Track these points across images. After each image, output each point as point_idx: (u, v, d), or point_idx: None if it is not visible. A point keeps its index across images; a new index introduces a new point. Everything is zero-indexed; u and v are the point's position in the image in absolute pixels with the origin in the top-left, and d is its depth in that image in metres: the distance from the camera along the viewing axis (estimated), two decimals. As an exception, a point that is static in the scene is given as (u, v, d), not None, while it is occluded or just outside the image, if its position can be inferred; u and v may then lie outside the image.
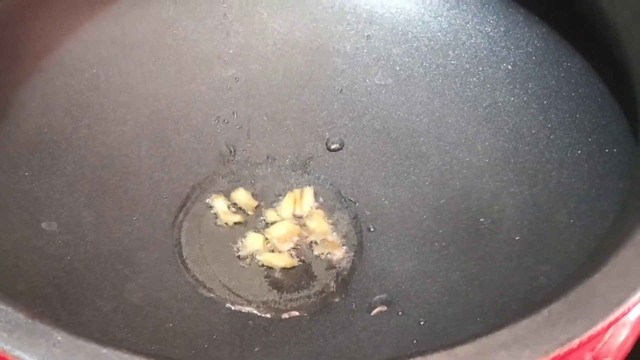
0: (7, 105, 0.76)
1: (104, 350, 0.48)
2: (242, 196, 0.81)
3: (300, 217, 0.80)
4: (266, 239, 0.77)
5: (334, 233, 0.79)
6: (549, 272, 0.67)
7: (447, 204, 0.77)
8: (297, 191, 0.81)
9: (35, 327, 0.49)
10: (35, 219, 0.73)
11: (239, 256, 0.77)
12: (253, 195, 0.82)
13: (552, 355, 0.48)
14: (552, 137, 0.77)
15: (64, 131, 0.79)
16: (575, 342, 0.49)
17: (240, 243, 0.78)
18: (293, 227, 0.78)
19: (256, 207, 0.81)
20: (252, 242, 0.78)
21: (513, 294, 0.68)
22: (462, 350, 0.48)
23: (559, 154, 0.76)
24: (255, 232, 0.78)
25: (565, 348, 0.48)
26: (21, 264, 0.69)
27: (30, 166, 0.76)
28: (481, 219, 0.75)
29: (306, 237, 0.78)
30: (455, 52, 0.84)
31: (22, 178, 0.75)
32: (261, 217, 0.80)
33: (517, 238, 0.72)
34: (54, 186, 0.76)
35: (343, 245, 0.78)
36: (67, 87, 0.81)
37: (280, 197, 0.82)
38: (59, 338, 0.49)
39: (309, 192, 0.81)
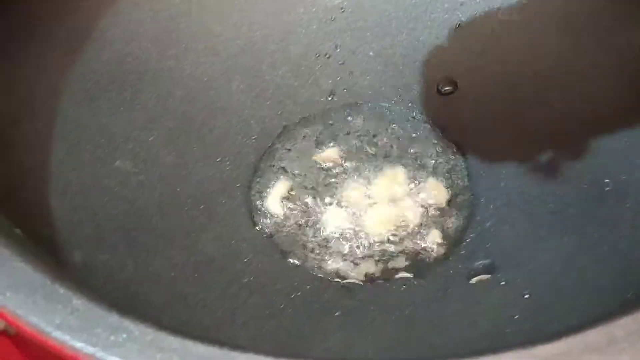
0: (86, 32, 0.71)
1: (126, 322, 0.42)
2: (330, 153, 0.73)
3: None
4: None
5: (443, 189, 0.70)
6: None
7: (569, 160, 0.68)
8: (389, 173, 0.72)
9: (54, 291, 0.43)
10: (110, 157, 0.68)
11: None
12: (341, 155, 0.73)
13: (654, 363, 0.39)
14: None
15: (148, 61, 0.73)
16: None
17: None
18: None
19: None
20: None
21: (635, 269, 0.59)
22: (543, 350, 0.41)
23: None
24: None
25: (673, 357, 0.39)
26: (89, 206, 0.65)
27: (108, 99, 0.71)
28: (606, 180, 0.65)
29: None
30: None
31: (99, 111, 0.70)
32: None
33: (645, 203, 0.62)
34: (132, 121, 0.70)
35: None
36: (155, 12, 0.75)
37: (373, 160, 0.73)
38: (78, 305, 0.42)
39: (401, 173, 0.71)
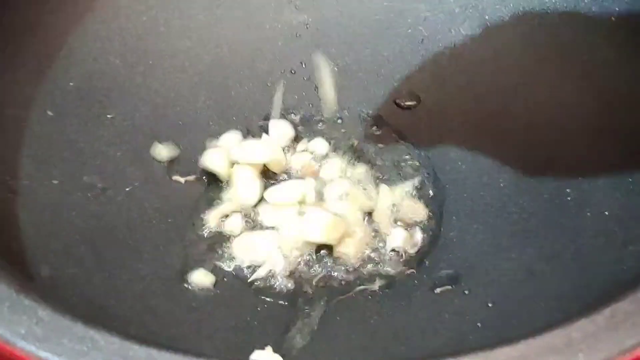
0: (55, 49, 0.72)
1: (91, 332, 0.42)
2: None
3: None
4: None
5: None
6: (639, 253, 0.59)
7: (530, 171, 0.69)
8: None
9: (20, 302, 0.43)
10: (78, 172, 0.69)
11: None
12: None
13: (611, 363, 0.40)
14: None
15: (116, 79, 0.74)
16: (642, 350, 0.40)
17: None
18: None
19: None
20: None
21: (596, 276, 0.60)
22: (502, 354, 0.42)
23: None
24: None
25: (628, 356, 0.41)
26: (57, 220, 0.65)
27: (77, 115, 0.71)
28: (567, 190, 0.67)
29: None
30: (552, 0, 0.74)
31: (67, 127, 0.70)
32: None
33: (606, 213, 0.64)
34: (100, 137, 0.71)
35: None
36: (122, 30, 0.76)
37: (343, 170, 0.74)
38: (44, 316, 0.43)
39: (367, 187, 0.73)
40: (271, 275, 0.67)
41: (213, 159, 0.72)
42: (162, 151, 0.72)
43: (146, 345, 0.42)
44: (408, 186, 0.72)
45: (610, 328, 0.42)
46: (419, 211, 0.70)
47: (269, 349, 0.58)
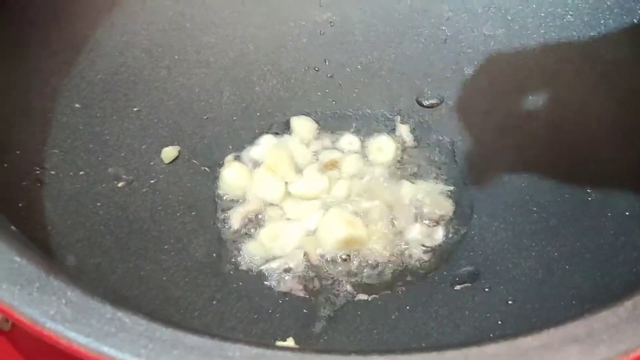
0: (82, 42, 0.73)
1: (119, 314, 0.43)
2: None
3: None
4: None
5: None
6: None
7: (552, 170, 0.69)
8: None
9: (49, 283, 0.44)
10: (103, 163, 0.69)
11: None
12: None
13: (633, 354, 0.41)
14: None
15: (141, 72, 0.75)
16: (664, 341, 0.40)
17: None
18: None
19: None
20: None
21: (616, 277, 0.60)
22: (525, 342, 0.42)
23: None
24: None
25: (650, 348, 0.40)
26: (83, 211, 0.66)
27: (102, 107, 0.72)
28: (589, 190, 0.67)
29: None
30: (575, 2, 0.74)
31: (93, 119, 0.71)
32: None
33: (627, 214, 0.64)
34: (125, 130, 0.72)
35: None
36: (149, 25, 0.77)
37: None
38: (72, 297, 0.43)
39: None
40: (286, 269, 0.66)
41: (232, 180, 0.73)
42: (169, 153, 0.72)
43: (173, 327, 0.42)
44: (430, 183, 0.72)
45: (632, 320, 0.42)
46: (443, 207, 0.70)
47: (290, 340, 0.59)
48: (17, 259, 0.46)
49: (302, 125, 0.76)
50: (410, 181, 0.73)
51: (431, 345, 0.59)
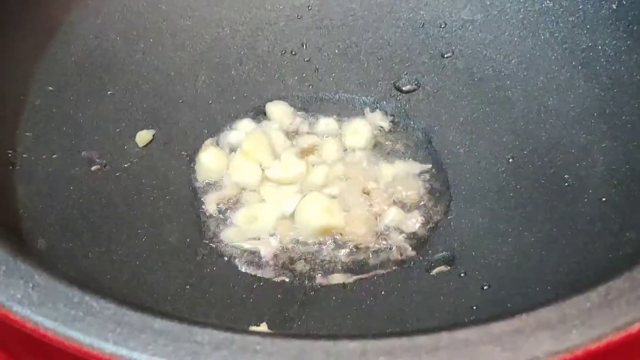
0: (57, 24, 0.72)
1: (86, 297, 0.42)
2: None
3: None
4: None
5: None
6: (635, 240, 0.58)
7: (529, 156, 0.69)
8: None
9: (16, 267, 0.43)
10: (76, 147, 0.69)
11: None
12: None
13: (605, 340, 0.40)
14: (657, 86, 0.66)
15: (116, 55, 0.74)
16: (635, 327, 0.41)
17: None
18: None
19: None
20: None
21: (592, 262, 0.60)
22: (497, 327, 0.41)
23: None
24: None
25: (622, 333, 0.41)
26: (55, 194, 0.66)
27: (76, 90, 0.71)
28: (565, 176, 0.67)
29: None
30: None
31: (67, 102, 0.70)
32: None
33: (603, 199, 0.64)
34: (99, 113, 0.71)
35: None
36: (124, 7, 0.76)
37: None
38: (40, 281, 0.43)
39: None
40: (261, 254, 0.66)
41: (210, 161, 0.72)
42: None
43: (141, 311, 0.42)
44: (407, 165, 0.71)
45: (605, 305, 0.42)
46: (419, 190, 0.70)
47: (263, 325, 0.58)
48: (-17, 242, 0.45)
49: (279, 110, 0.75)
50: (388, 163, 0.72)
51: (404, 330, 0.59)
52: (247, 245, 0.67)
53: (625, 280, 0.43)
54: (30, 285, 0.43)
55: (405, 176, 0.71)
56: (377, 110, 0.76)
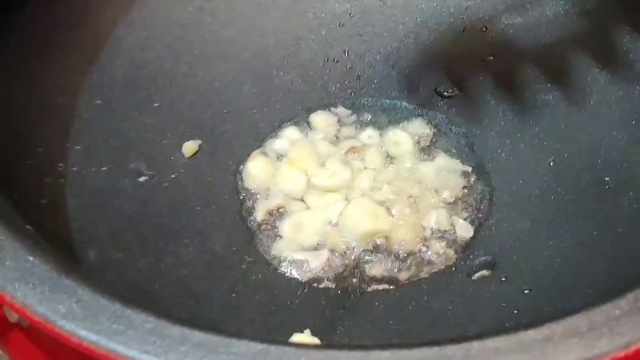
0: (103, 38, 0.74)
1: (128, 312, 0.44)
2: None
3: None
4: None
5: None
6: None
7: (569, 159, 0.69)
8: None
9: (61, 282, 0.45)
10: (124, 158, 0.70)
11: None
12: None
13: (634, 347, 0.40)
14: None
15: (162, 67, 0.76)
16: (665, 334, 0.40)
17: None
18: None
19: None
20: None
21: (634, 265, 0.59)
22: (526, 336, 0.42)
23: None
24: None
25: (652, 341, 0.40)
26: (104, 205, 0.67)
27: (123, 103, 0.73)
28: (606, 178, 0.67)
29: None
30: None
31: (114, 115, 0.72)
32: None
33: (644, 201, 0.63)
34: (147, 125, 0.73)
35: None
36: (169, 20, 0.78)
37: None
38: (83, 296, 0.44)
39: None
40: (306, 261, 0.67)
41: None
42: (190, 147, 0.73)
43: (180, 324, 0.43)
44: (449, 163, 0.72)
45: (634, 312, 0.42)
46: (459, 185, 0.70)
47: (307, 332, 0.59)
48: (31, 258, 0.47)
49: (323, 120, 0.76)
50: (430, 162, 0.73)
51: (447, 335, 0.60)
52: (297, 256, 0.67)
53: (656, 287, 0.42)
54: (74, 300, 0.45)
55: (447, 174, 0.71)
56: (419, 117, 0.76)
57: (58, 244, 0.56)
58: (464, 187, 0.71)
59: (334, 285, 0.66)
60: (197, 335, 0.43)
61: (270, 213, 0.71)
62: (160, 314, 0.44)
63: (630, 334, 0.41)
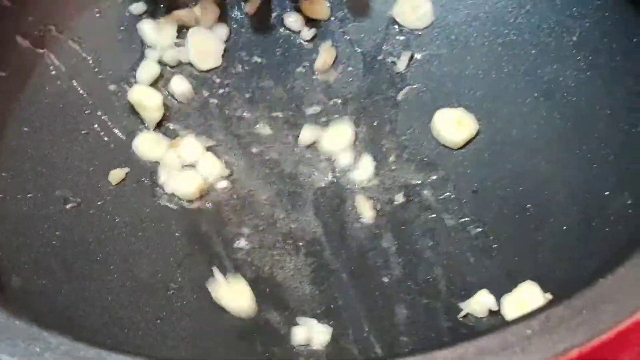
0: (31, 66, 0.73)
1: (44, 334, 0.46)
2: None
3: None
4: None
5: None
6: (594, 268, 0.59)
7: (492, 186, 0.71)
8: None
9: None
10: (50, 186, 0.71)
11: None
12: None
13: (545, 366, 0.41)
14: (614, 116, 0.69)
15: (90, 95, 0.75)
16: (574, 353, 0.42)
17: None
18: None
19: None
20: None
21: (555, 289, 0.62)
22: (440, 356, 0.43)
23: (622, 135, 0.68)
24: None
25: (561, 358, 0.42)
26: (29, 232, 0.68)
27: (51, 130, 0.74)
28: (528, 205, 0.68)
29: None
30: (517, 21, 0.76)
31: (42, 143, 0.73)
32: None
33: (564, 228, 0.66)
34: (74, 152, 0.73)
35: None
36: (98, 47, 0.79)
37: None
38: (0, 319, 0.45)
39: None
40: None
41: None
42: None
43: (96, 346, 0.44)
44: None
45: (545, 332, 0.43)
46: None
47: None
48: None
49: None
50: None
51: None
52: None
53: (565, 307, 0.44)
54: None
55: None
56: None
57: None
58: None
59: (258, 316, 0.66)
60: (114, 358, 0.43)
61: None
62: (78, 337, 0.44)
63: (541, 352, 0.42)
